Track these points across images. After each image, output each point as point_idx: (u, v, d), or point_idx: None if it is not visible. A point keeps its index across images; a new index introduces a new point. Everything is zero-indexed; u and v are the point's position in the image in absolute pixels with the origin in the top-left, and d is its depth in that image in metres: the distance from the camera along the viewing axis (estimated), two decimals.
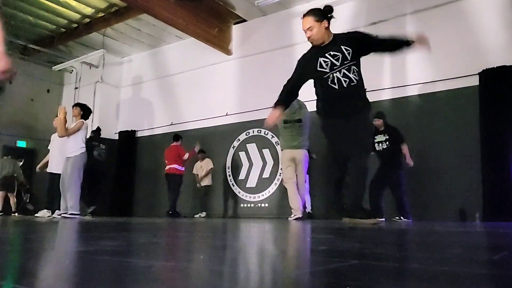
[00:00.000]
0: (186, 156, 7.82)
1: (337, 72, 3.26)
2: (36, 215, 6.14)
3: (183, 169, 7.87)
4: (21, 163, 9.38)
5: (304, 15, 3.34)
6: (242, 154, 8.39)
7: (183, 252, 1.18)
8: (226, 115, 8.66)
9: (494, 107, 5.67)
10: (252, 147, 8.27)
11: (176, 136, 8.11)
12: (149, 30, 9.31)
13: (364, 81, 3.40)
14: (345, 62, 3.26)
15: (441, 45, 6.39)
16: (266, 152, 8.06)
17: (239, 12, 8.52)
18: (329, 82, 3.28)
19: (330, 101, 3.39)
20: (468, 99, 5.96)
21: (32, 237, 1.78)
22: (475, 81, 5.94)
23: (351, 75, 3.26)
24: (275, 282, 0.67)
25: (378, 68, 6.78)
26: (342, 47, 3.26)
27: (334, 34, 3.35)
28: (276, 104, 3.33)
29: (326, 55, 3.29)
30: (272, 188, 7.87)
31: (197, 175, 8.18)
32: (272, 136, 7.98)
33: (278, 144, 7.86)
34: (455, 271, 0.75)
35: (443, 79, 6.25)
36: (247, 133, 8.38)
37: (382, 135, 5.71)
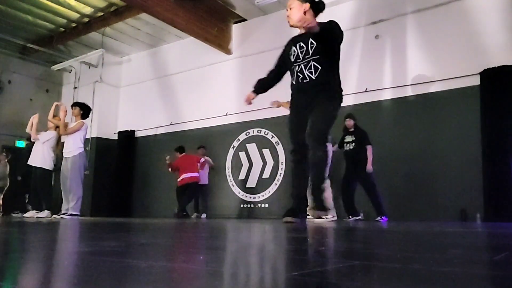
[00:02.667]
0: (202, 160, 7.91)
1: (297, 66, 3.19)
2: (38, 215, 6.14)
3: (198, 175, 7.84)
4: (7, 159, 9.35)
5: None
6: (242, 154, 8.39)
7: (183, 252, 1.18)
8: (226, 115, 8.66)
9: (495, 107, 5.68)
10: (252, 147, 8.26)
11: (182, 148, 8.05)
12: (148, 29, 9.30)
13: (331, 77, 3.16)
14: (306, 57, 3.13)
15: (442, 45, 6.40)
16: (266, 152, 8.06)
17: (239, 12, 8.51)
18: (292, 74, 3.25)
19: (292, 94, 3.35)
20: (469, 99, 5.96)
21: (31, 238, 1.78)
22: (476, 81, 5.94)
23: (306, 72, 3.13)
24: (275, 282, 0.66)
25: (378, 68, 6.79)
26: (310, 39, 3.11)
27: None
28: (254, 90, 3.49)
29: (297, 44, 3.21)
30: (272, 189, 7.86)
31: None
32: (272, 136, 7.97)
33: (279, 144, 7.86)
34: (456, 272, 0.74)
35: (443, 79, 6.25)
36: (247, 133, 8.38)
37: (351, 135, 5.92)
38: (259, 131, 8.20)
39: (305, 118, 3.14)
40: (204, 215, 8.05)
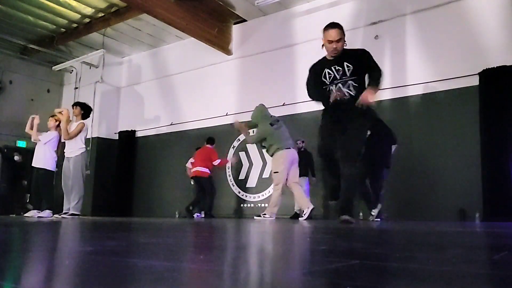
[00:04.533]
0: (217, 162, 7.69)
1: (333, 86, 3.50)
2: (39, 215, 6.14)
3: (208, 171, 7.73)
4: (19, 159, 9.36)
5: (334, 26, 3.46)
6: (242, 154, 8.39)
7: (183, 252, 1.18)
8: (226, 115, 8.66)
9: (494, 107, 5.68)
10: (252, 147, 8.26)
11: (211, 139, 7.97)
12: (149, 30, 9.31)
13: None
14: (343, 77, 3.46)
15: (441, 45, 6.40)
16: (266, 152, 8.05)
17: (239, 12, 8.52)
18: (326, 93, 3.54)
19: (326, 109, 3.65)
20: (468, 99, 5.97)
21: (32, 237, 1.78)
22: (475, 81, 5.94)
23: (344, 89, 3.46)
24: (275, 282, 0.67)
25: None
26: (345, 63, 3.46)
27: (344, 50, 3.51)
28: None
29: (332, 68, 3.52)
30: (272, 188, 7.86)
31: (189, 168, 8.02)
32: None
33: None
34: (455, 271, 0.75)
35: (443, 79, 6.25)
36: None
37: None
38: None
39: (336, 131, 3.52)
40: (202, 213, 8.03)
